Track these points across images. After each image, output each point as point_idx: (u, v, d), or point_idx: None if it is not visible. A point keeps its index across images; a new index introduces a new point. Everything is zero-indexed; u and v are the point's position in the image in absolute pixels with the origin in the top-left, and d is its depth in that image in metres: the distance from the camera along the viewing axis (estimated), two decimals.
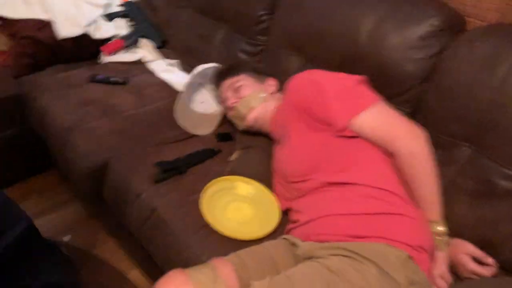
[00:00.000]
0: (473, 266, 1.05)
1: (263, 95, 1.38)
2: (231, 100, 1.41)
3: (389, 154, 1.10)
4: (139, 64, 1.87)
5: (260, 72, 1.48)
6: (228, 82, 1.45)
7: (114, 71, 1.78)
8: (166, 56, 1.89)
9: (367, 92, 1.14)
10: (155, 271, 1.36)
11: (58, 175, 1.94)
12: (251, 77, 1.44)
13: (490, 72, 1.10)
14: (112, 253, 1.64)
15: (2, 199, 0.96)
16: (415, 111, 1.27)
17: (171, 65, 1.84)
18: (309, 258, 1.00)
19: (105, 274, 1.54)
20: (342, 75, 1.18)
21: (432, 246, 1.03)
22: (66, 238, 1.67)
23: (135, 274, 1.56)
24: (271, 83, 1.44)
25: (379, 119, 1.10)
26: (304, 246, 1.04)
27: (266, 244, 1.09)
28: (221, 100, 1.50)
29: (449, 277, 1.03)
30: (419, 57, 1.24)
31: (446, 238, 1.06)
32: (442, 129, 1.20)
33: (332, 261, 0.94)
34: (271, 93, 1.41)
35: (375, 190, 1.05)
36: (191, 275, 0.95)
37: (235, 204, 1.26)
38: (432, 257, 1.03)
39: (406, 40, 1.24)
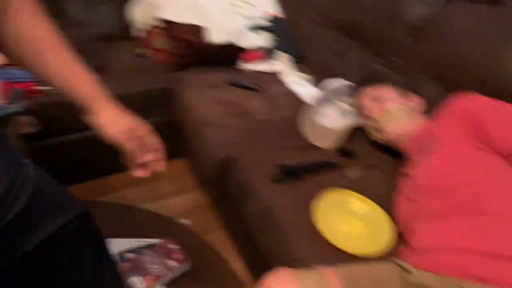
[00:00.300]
0: None
1: (407, 110, 1.37)
2: (371, 109, 1.42)
3: None
4: (274, 75, 1.99)
5: (405, 87, 1.47)
6: (369, 90, 1.46)
7: (250, 78, 1.92)
8: (301, 70, 1.98)
9: None
10: (258, 267, 1.43)
11: (186, 163, 2.14)
12: (395, 90, 1.43)
13: None
14: (221, 242, 1.75)
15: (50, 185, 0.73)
16: None
17: (304, 79, 1.93)
18: None
19: (211, 261, 1.65)
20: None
21: None
22: (186, 221, 1.83)
23: (238, 266, 1.65)
24: (416, 101, 1.42)
25: None
26: (419, 275, 1.00)
27: (377, 265, 1.06)
28: (358, 107, 1.50)
29: None
30: None
31: None
32: None
33: None
34: (418, 111, 1.40)
35: None
36: (299, 277, 0.96)
37: (348, 219, 1.28)
38: None
39: None
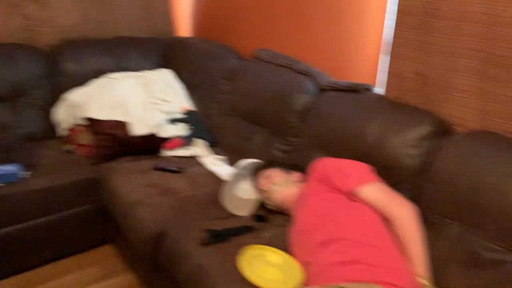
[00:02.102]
0: None
1: (288, 181, 1.75)
2: (264, 185, 1.78)
3: (386, 220, 1.43)
4: (193, 158, 2.29)
5: (290, 168, 1.87)
6: (262, 173, 1.86)
7: (173, 163, 2.19)
8: (216, 153, 2.31)
9: (372, 173, 1.55)
10: None
11: (114, 248, 2.26)
12: (280, 170, 1.84)
13: (469, 164, 1.41)
14: None
15: None
16: (413, 196, 1.56)
17: (219, 160, 2.25)
18: None
19: None
20: (355, 161, 1.61)
21: None
22: None
23: None
24: (296, 175, 1.83)
25: (380, 191, 1.49)
26: None
27: None
28: (257, 186, 1.86)
29: None
30: (415, 154, 1.58)
31: None
32: (437, 211, 1.48)
33: None
34: (295, 182, 1.79)
35: (371, 244, 1.33)
36: None
37: (267, 268, 1.54)
38: None
39: (405, 141, 1.60)
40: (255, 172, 1.91)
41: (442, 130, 1.63)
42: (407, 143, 1.60)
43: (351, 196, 1.51)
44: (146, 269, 1.94)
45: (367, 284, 1.22)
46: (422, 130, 1.59)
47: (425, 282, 1.32)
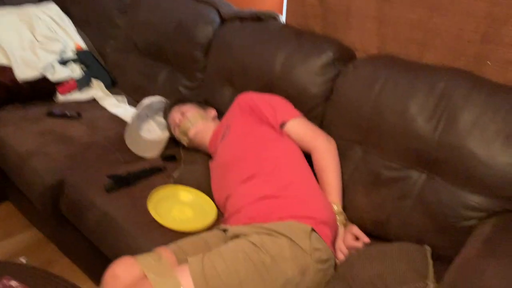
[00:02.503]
0: (349, 241, 1.31)
1: (203, 116, 1.68)
2: (177, 119, 1.69)
3: (303, 156, 1.45)
4: (92, 102, 2.11)
5: (203, 105, 1.80)
6: (176, 108, 1.76)
7: (68, 108, 2.00)
8: (116, 94, 2.14)
9: (296, 109, 1.56)
10: None
11: (12, 206, 2.07)
12: (195, 106, 1.75)
13: (369, 89, 1.44)
14: (67, 270, 1.78)
15: None
16: (321, 123, 1.58)
17: (120, 101, 2.09)
18: (237, 237, 1.24)
19: (61, 287, 1.67)
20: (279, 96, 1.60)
21: (332, 222, 1.31)
22: (22, 259, 1.79)
23: (89, 285, 1.71)
24: (211, 111, 1.76)
25: (305, 125, 1.52)
26: (232, 229, 1.28)
27: (202, 233, 1.32)
28: (170, 122, 1.76)
29: (345, 250, 1.30)
30: (320, 81, 1.57)
31: (342, 216, 1.36)
32: (341, 136, 1.51)
33: (253, 237, 1.18)
34: (211, 118, 1.72)
35: (289, 181, 1.33)
36: (138, 258, 1.16)
37: (178, 207, 1.50)
38: (334, 232, 1.31)
39: (310, 68, 1.58)
40: (169, 107, 1.80)
41: (345, 56, 1.63)
42: (312, 71, 1.58)
43: (278, 129, 1.50)
44: (50, 223, 1.81)
45: (284, 222, 1.22)
46: (326, 57, 1.58)
47: (337, 207, 1.38)
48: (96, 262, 1.59)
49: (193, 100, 1.81)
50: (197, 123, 1.66)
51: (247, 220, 1.28)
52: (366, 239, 1.33)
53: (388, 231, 1.41)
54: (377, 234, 1.43)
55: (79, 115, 1.96)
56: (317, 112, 1.59)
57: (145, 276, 1.09)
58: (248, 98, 1.57)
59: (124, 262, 1.14)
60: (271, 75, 1.65)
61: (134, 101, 2.11)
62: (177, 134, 1.72)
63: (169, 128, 1.80)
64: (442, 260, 1.25)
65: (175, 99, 1.82)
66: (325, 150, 1.46)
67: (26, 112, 1.94)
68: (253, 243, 1.14)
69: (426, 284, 1.00)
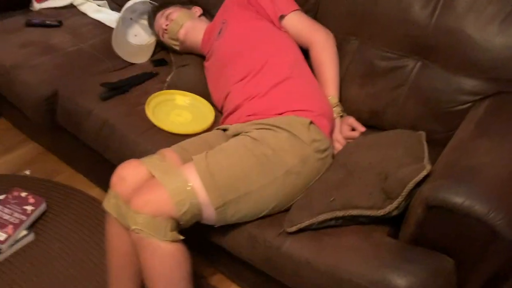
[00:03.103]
0: (346, 132, 1.35)
1: (189, 14, 1.62)
2: (163, 24, 1.63)
3: (301, 51, 1.44)
4: (71, 8, 2.00)
5: (186, 3, 1.72)
6: (160, 14, 1.68)
7: (48, 16, 1.90)
8: None
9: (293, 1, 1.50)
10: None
11: (7, 122, 2.06)
12: (179, 6, 1.68)
13: None
14: (72, 179, 1.83)
15: None
16: (315, 16, 1.53)
17: (101, 5, 1.99)
18: (238, 134, 1.27)
19: (69, 196, 1.74)
20: None
21: (330, 114, 1.34)
22: (27, 172, 1.83)
23: (97, 192, 1.77)
24: (196, 9, 1.69)
25: (304, 18, 1.49)
26: (233, 127, 1.30)
27: (202, 135, 1.34)
28: (157, 29, 1.70)
29: (342, 140, 1.34)
30: None
31: (338, 108, 1.39)
32: (336, 28, 1.48)
33: (253, 133, 1.21)
34: (198, 16, 1.66)
35: (288, 75, 1.33)
36: (143, 160, 1.19)
37: (176, 111, 1.50)
38: (331, 123, 1.34)
39: None
40: (152, 15, 1.73)
41: None
42: None
43: (277, 23, 1.46)
44: (48, 135, 1.82)
45: (282, 116, 1.24)
46: None
47: (333, 99, 1.39)
48: (100, 168, 1.63)
49: (175, 1, 1.72)
50: (185, 23, 1.60)
51: (246, 118, 1.30)
52: (362, 128, 1.37)
53: (384, 120, 1.44)
54: (373, 123, 1.46)
55: (60, 23, 1.86)
56: (311, 4, 1.54)
57: (152, 177, 1.13)
58: None
59: (130, 164, 1.18)
60: None
61: (115, 5, 2.00)
62: (167, 40, 1.67)
63: (157, 36, 1.74)
64: (437, 144, 1.30)
65: (156, 6, 1.73)
66: (324, 43, 1.43)
67: (2, 24, 1.84)
68: (253, 138, 1.17)
69: (423, 166, 1.05)
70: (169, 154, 1.21)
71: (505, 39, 1.22)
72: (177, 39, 1.63)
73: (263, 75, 1.34)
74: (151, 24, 1.76)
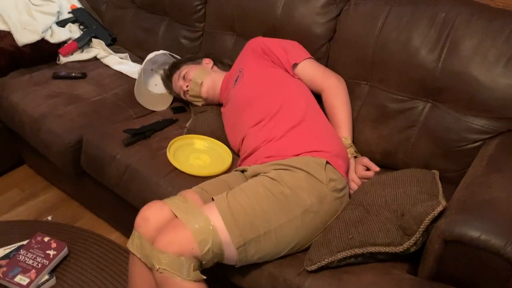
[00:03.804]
0: (361, 171, 1.40)
1: (205, 70, 1.71)
2: (184, 86, 1.72)
3: (313, 96, 1.52)
4: (95, 60, 2.12)
5: (195, 58, 1.81)
6: (176, 76, 1.77)
7: (73, 69, 2.02)
8: (117, 51, 2.15)
9: (305, 50, 1.60)
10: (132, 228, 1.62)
11: (30, 169, 2.14)
12: (191, 64, 1.77)
13: (371, 24, 1.47)
14: (93, 223, 1.88)
15: None
16: (326, 64, 1.62)
17: (123, 58, 2.11)
18: (256, 175, 1.32)
19: (90, 240, 1.77)
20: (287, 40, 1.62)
21: (344, 154, 1.38)
22: (49, 217, 1.88)
23: (116, 236, 1.81)
24: (207, 61, 1.79)
25: (316, 66, 1.57)
26: (252, 168, 1.35)
27: (221, 176, 1.39)
28: (177, 91, 1.78)
29: (357, 180, 1.38)
30: (323, 21, 1.59)
31: (352, 149, 1.44)
32: (347, 74, 1.56)
33: (271, 173, 1.25)
34: (211, 68, 1.75)
35: (302, 117, 1.39)
36: (165, 201, 1.24)
37: (195, 155, 1.56)
38: (346, 163, 1.38)
39: (311, 9, 1.60)
40: (167, 80, 1.83)
41: None
42: (313, 11, 1.60)
43: (291, 71, 1.55)
44: (71, 181, 1.88)
45: (299, 157, 1.29)
46: None
47: (347, 140, 1.45)
48: (121, 212, 1.68)
49: (185, 59, 1.81)
50: (203, 79, 1.68)
51: (264, 159, 1.35)
52: (376, 168, 1.41)
53: (397, 160, 1.48)
54: (386, 163, 1.51)
55: (84, 75, 1.98)
56: (322, 52, 1.63)
57: (174, 217, 1.17)
58: (260, 41, 1.60)
59: (153, 205, 1.22)
60: (272, 18, 1.67)
61: (136, 57, 2.12)
62: (190, 99, 1.75)
63: (178, 95, 1.82)
64: (449, 182, 1.34)
65: (169, 68, 1.82)
66: (336, 88, 1.51)
67: (31, 77, 1.96)
68: (271, 178, 1.22)
69: (439, 202, 1.08)
70: (190, 195, 1.26)
71: (510, 80, 1.27)
72: (199, 97, 1.71)
73: (278, 119, 1.40)
74: (167, 85, 1.85)
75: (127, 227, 1.78)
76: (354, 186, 1.38)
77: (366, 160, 1.43)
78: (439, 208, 1.05)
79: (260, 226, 1.14)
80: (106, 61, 2.10)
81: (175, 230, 1.10)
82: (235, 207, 1.14)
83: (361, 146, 1.52)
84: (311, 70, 1.55)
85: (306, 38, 1.62)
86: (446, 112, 1.39)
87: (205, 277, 1.12)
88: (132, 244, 1.19)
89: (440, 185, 1.25)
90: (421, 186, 1.24)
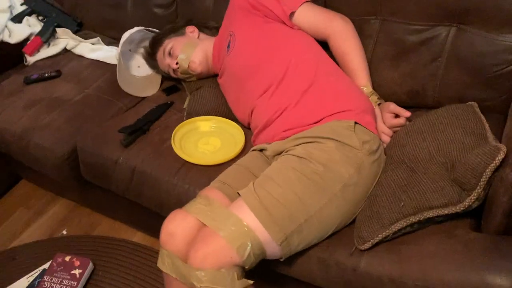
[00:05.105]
0: (390, 120, 1.25)
1: (192, 42, 1.50)
2: (172, 64, 1.51)
3: (321, 47, 1.32)
4: (65, 53, 1.90)
5: (177, 28, 1.58)
6: (160, 54, 1.56)
7: (44, 68, 1.80)
8: (87, 37, 1.92)
9: None
10: (154, 226, 1.50)
11: (30, 184, 1.99)
12: (174, 37, 1.54)
13: None
14: (111, 227, 1.76)
15: None
16: (325, 5, 1.41)
17: (95, 43, 1.88)
18: (279, 154, 1.17)
19: (113, 247, 1.66)
20: None
21: (370, 107, 1.22)
22: (64, 232, 1.77)
23: (140, 236, 1.70)
24: (191, 30, 1.56)
25: (316, 9, 1.35)
26: (272, 147, 1.20)
27: (239, 161, 1.24)
28: (165, 70, 1.58)
29: (388, 131, 1.23)
30: None
31: (375, 97, 1.28)
32: (352, 12, 1.36)
33: (297, 150, 1.10)
34: (197, 37, 1.53)
35: (315, 75, 1.21)
36: (187, 209, 1.10)
37: (203, 140, 1.41)
38: (375, 117, 1.23)
39: None
40: (151, 58, 1.62)
41: None
42: None
43: (289, 22, 1.33)
44: (76, 189, 1.74)
45: (323, 124, 1.14)
46: None
47: (368, 88, 1.29)
48: (139, 212, 1.54)
49: (167, 32, 1.58)
50: (192, 53, 1.47)
51: (282, 134, 1.19)
52: (406, 113, 1.25)
53: (426, 98, 1.33)
54: (414, 104, 1.35)
55: (58, 72, 1.77)
56: None
57: (202, 225, 1.03)
58: None
59: (176, 217, 1.08)
60: None
61: (110, 39, 1.90)
62: (181, 76, 1.55)
63: (166, 73, 1.62)
64: (490, 111, 1.19)
65: (150, 46, 1.60)
66: (343, 32, 1.31)
67: (1, 87, 1.74)
68: (299, 157, 1.07)
69: (497, 147, 0.93)
70: (213, 194, 1.11)
71: None
72: (193, 72, 1.51)
73: (288, 83, 1.23)
74: (152, 65, 1.64)
75: (148, 226, 1.67)
76: (386, 139, 1.23)
77: (393, 106, 1.27)
78: (500, 156, 0.91)
79: (300, 215, 1.01)
80: (78, 50, 1.88)
81: (208, 242, 0.98)
82: (268, 200, 1.00)
83: (383, 90, 1.35)
84: (311, 16, 1.33)
85: None
86: (476, 35, 1.21)
87: (252, 282, 1.00)
88: (163, 264, 1.07)
89: (484, 120, 1.11)
90: (464, 127, 1.10)
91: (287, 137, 1.17)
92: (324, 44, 1.35)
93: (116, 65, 1.65)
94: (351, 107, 1.17)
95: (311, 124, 1.16)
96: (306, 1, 1.34)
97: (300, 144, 1.11)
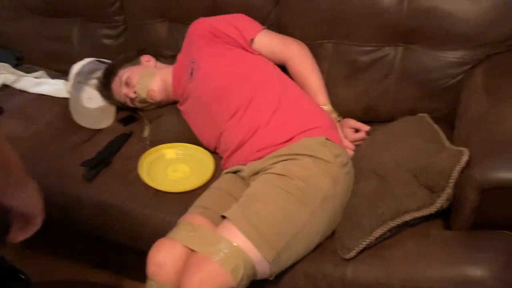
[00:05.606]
0: (351, 135, 1.34)
1: (148, 71, 1.49)
2: (129, 94, 1.47)
3: (281, 71, 1.37)
4: (5, 89, 1.78)
5: (131, 57, 1.56)
6: (116, 84, 1.52)
7: None
8: (29, 71, 1.82)
9: (254, 21, 1.42)
10: (127, 260, 1.43)
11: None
12: (129, 66, 1.52)
13: None
14: (73, 271, 1.64)
15: None
16: (280, 31, 1.47)
17: (39, 77, 1.80)
18: (256, 174, 1.19)
19: None
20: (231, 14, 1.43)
21: (334, 124, 1.30)
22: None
23: (103, 275, 1.60)
24: (146, 59, 1.54)
25: (273, 35, 1.42)
26: (248, 167, 1.21)
27: (214, 185, 1.24)
28: (123, 101, 1.54)
29: (351, 145, 1.32)
30: None
31: (334, 114, 1.37)
32: (306, 37, 1.43)
33: (276, 168, 1.13)
34: (154, 66, 1.53)
35: (281, 97, 1.26)
36: (173, 236, 1.07)
37: (171, 167, 1.39)
38: (338, 131, 1.30)
39: None
40: (105, 90, 1.57)
41: None
42: None
43: (249, 48, 1.38)
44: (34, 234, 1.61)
45: (295, 142, 1.18)
46: None
47: (327, 107, 1.36)
48: (109, 249, 1.45)
49: (121, 62, 1.55)
50: (150, 82, 1.45)
51: (257, 154, 1.22)
52: (366, 127, 1.35)
53: (380, 113, 1.43)
54: (369, 119, 1.44)
55: (0, 110, 1.66)
56: (271, 19, 1.49)
57: (191, 252, 1.02)
58: (205, 24, 1.40)
59: (162, 247, 1.06)
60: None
61: (55, 72, 1.82)
62: (139, 105, 1.51)
63: (122, 104, 1.57)
64: (439, 121, 1.31)
65: (103, 76, 1.56)
66: (300, 55, 1.39)
67: None
68: (280, 174, 1.10)
69: (460, 150, 1.03)
70: (196, 220, 1.10)
71: (479, 6, 1.24)
72: (152, 101, 1.48)
73: (256, 105, 1.26)
74: (106, 96, 1.58)
75: (112, 264, 1.58)
76: (350, 153, 1.30)
77: (352, 122, 1.36)
78: (465, 158, 1.01)
79: (287, 231, 1.03)
80: (19, 86, 1.78)
81: (200, 268, 0.96)
82: (256, 219, 1.01)
83: (340, 108, 1.42)
84: (269, 42, 1.40)
85: (251, 8, 1.46)
86: (421, 52, 1.33)
87: None
88: None
89: (438, 129, 1.22)
90: (422, 136, 1.21)
91: (263, 156, 1.20)
92: (284, 68, 1.41)
93: (65, 98, 1.59)
94: (319, 124, 1.23)
95: (284, 142, 1.20)
96: (263, 28, 1.41)
97: (278, 162, 1.14)
